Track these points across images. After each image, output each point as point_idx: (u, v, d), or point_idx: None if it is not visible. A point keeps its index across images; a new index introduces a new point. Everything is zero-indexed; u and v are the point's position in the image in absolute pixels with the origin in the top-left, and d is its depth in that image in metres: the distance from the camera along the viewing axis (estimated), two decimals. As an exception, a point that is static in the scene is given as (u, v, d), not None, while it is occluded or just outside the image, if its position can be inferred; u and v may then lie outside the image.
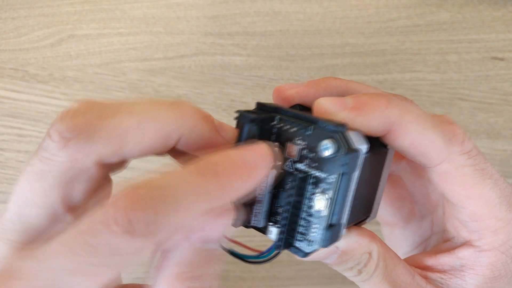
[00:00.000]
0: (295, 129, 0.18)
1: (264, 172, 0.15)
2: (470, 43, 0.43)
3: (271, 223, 0.19)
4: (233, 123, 0.20)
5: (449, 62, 0.43)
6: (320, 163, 0.17)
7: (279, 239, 0.18)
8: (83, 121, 0.14)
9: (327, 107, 0.18)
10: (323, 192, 0.17)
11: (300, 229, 0.18)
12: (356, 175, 0.17)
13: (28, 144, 0.41)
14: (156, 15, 0.43)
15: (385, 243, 0.20)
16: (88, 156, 0.15)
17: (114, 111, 0.15)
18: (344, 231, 0.18)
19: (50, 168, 0.14)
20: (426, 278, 0.21)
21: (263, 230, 0.19)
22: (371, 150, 0.18)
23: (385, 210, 0.26)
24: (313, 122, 0.17)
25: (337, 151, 0.16)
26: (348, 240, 0.19)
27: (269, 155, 0.15)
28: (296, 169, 0.18)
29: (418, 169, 0.25)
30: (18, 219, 0.15)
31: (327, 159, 0.17)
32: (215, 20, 0.43)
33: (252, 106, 0.20)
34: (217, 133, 0.18)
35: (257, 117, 0.18)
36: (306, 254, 0.18)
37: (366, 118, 0.18)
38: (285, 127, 0.18)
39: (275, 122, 0.18)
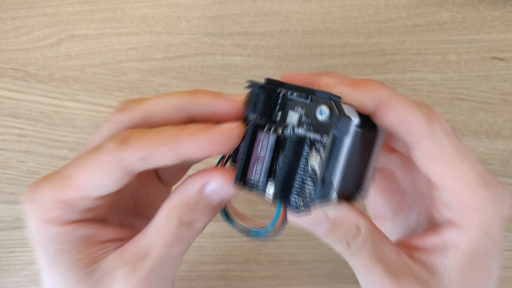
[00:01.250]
0: (296, 98, 0.21)
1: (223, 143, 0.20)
2: (470, 43, 0.43)
3: (270, 182, 0.21)
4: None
5: (449, 62, 0.43)
6: (316, 127, 0.20)
7: (276, 191, 0.20)
8: (128, 101, 0.23)
9: (327, 80, 0.21)
10: (317, 151, 0.20)
11: (296, 185, 0.20)
12: (347, 142, 0.19)
13: (28, 144, 0.41)
14: (156, 15, 0.43)
15: (373, 222, 0.22)
16: (125, 121, 0.22)
17: (146, 98, 0.22)
18: (335, 195, 0.20)
19: (107, 123, 0.22)
20: (411, 257, 0.22)
21: (262, 190, 0.21)
22: (363, 128, 0.20)
23: (375, 202, 0.28)
24: (312, 92, 0.20)
25: (331, 115, 0.19)
26: (338, 210, 0.21)
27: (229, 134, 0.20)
28: (296, 134, 0.20)
29: (407, 161, 0.26)
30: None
31: (322, 123, 0.19)
32: (215, 20, 0.43)
33: None
34: (221, 98, 0.22)
35: (265, 85, 0.21)
36: (299, 210, 0.20)
37: (359, 94, 0.21)
38: (288, 98, 0.21)
39: (280, 93, 0.21)
